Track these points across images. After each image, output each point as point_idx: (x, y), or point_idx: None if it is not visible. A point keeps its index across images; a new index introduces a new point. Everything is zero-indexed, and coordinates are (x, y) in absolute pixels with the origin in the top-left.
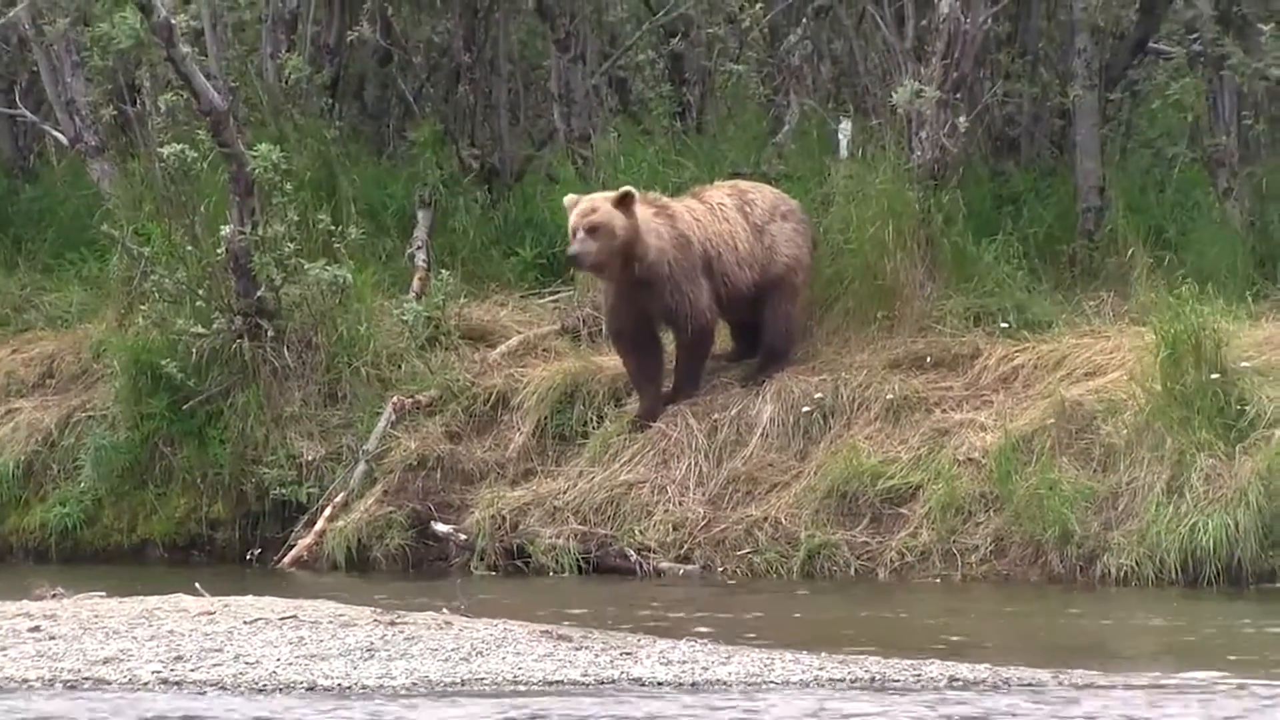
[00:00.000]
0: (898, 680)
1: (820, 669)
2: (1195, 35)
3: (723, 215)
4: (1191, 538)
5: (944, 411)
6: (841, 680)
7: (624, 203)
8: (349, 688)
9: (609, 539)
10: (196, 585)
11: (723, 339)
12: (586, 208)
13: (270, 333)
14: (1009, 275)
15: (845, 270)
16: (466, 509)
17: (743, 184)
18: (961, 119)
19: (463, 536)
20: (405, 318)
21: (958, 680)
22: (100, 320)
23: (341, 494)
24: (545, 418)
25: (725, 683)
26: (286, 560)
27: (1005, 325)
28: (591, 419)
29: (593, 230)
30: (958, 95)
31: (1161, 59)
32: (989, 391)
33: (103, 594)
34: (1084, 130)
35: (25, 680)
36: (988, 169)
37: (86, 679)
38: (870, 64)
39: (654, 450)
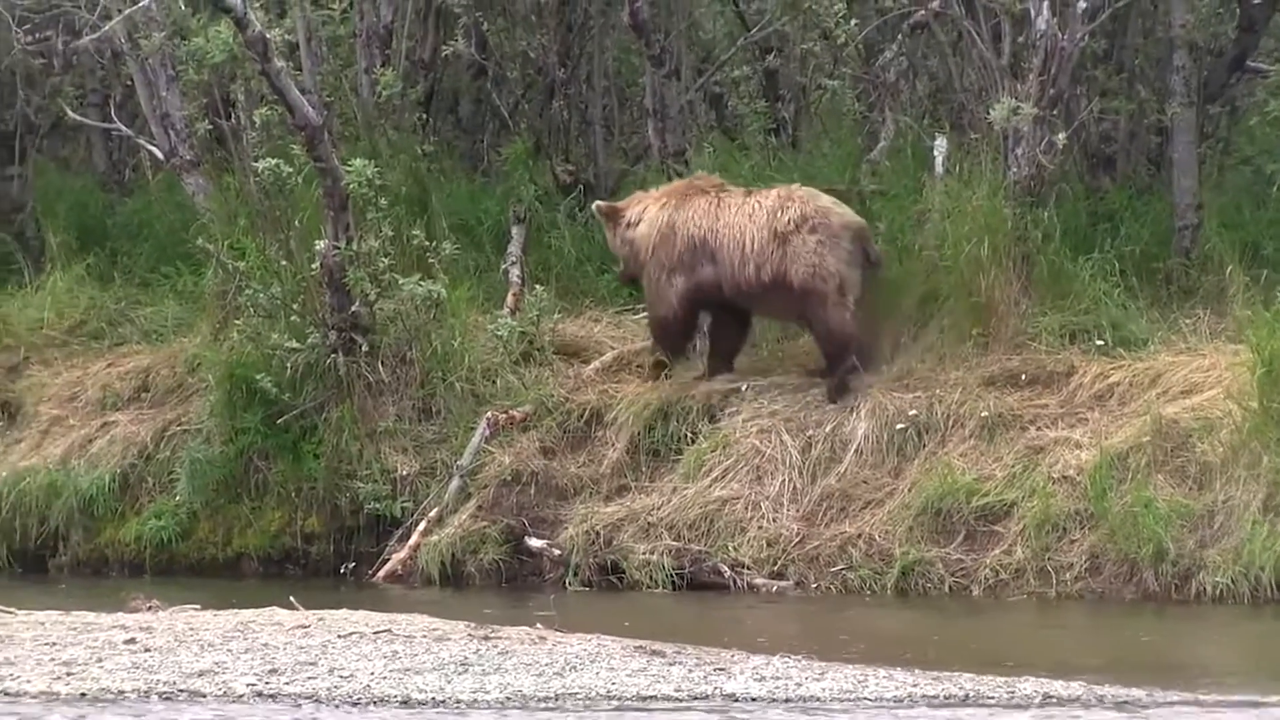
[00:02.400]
0: (992, 697)
1: (914, 686)
2: None
3: (745, 213)
4: None
5: (1039, 429)
6: (935, 697)
7: (606, 215)
8: (443, 702)
9: (703, 555)
10: (291, 599)
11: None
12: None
13: (364, 347)
14: (1105, 293)
15: (941, 287)
16: (560, 524)
17: (798, 191)
18: (1058, 136)
19: (556, 552)
20: (500, 333)
21: (1052, 698)
22: (195, 334)
23: (436, 509)
24: (639, 433)
25: (819, 699)
26: (381, 575)
27: (1101, 343)
28: (685, 435)
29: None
30: (1054, 112)
31: (1260, 76)
32: (1084, 409)
33: (198, 607)
34: (1181, 147)
35: (121, 692)
36: (1084, 186)
37: (182, 691)
38: (966, 80)
39: (748, 466)
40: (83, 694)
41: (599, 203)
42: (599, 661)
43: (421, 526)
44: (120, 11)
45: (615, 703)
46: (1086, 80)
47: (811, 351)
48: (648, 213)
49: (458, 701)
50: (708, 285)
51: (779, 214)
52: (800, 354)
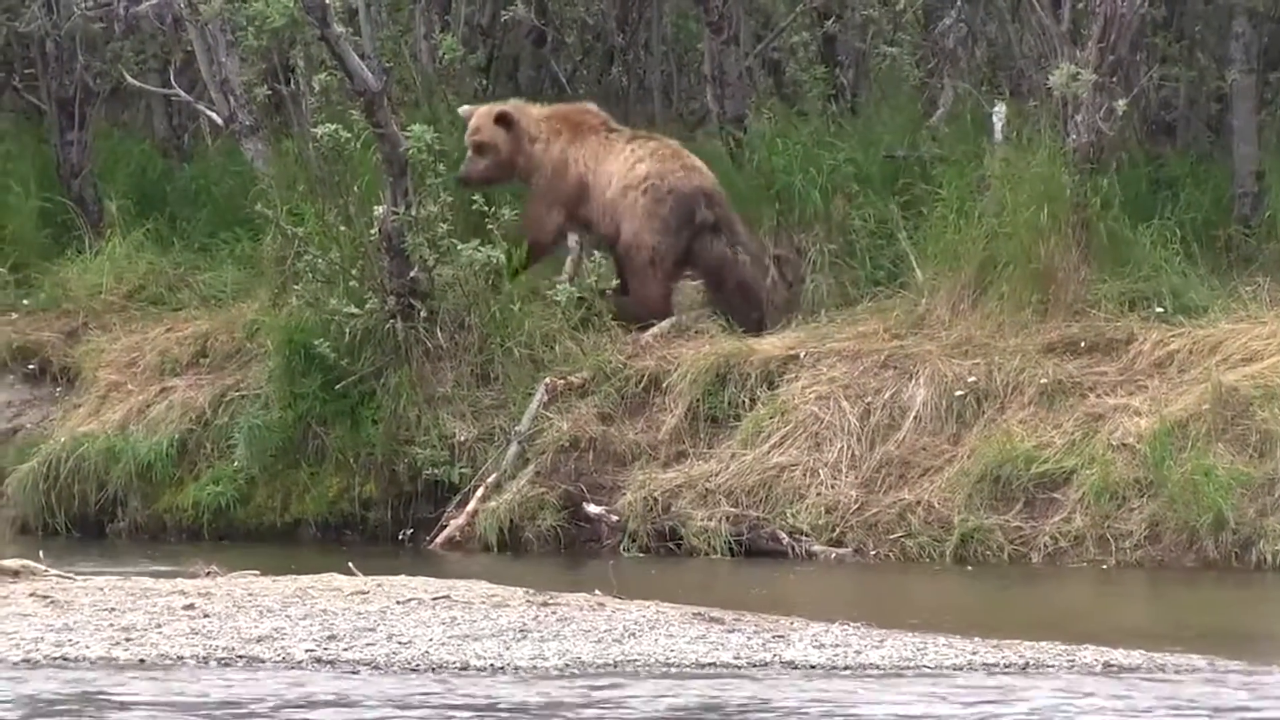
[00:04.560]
0: (1052, 665)
1: (974, 653)
2: None
3: (616, 162)
4: None
5: (1098, 396)
6: (995, 664)
7: (502, 120)
8: (501, 668)
9: (761, 521)
10: (350, 565)
11: None
12: (472, 126)
13: (423, 313)
14: (1165, 260)
15: (1000, 254)
16: (618, 490)
17: (663, 148)
18: (1118, 103)
19: (614, 518)
20: (558, 299)
21: (1113, 665)
22: (254, 300)
23: (494, 475)
24: (697, 399)
25: (878, 666)
26: (439, 541)
27: (1160, 310)
28: (743, 401)
29: (479, 149)
30: (1114, 79)
31: None
32: (1144, 377)
33: (256, 572)
34: (1241, 115)
35: (180, 657)
36: (1143, 153)
37: (240, 657)
38: (1025, 47)
39: (806, 433)
40: (141, 660)
41: (495, 108)
42: (658, 628)
43: (480, 493)
44: None
45: (674, 670)
46: (1146, 47)
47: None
48: (542, 132)
49: (516, 668)
50: (581, 224)
51: (635, 168)
52: (859, 321)
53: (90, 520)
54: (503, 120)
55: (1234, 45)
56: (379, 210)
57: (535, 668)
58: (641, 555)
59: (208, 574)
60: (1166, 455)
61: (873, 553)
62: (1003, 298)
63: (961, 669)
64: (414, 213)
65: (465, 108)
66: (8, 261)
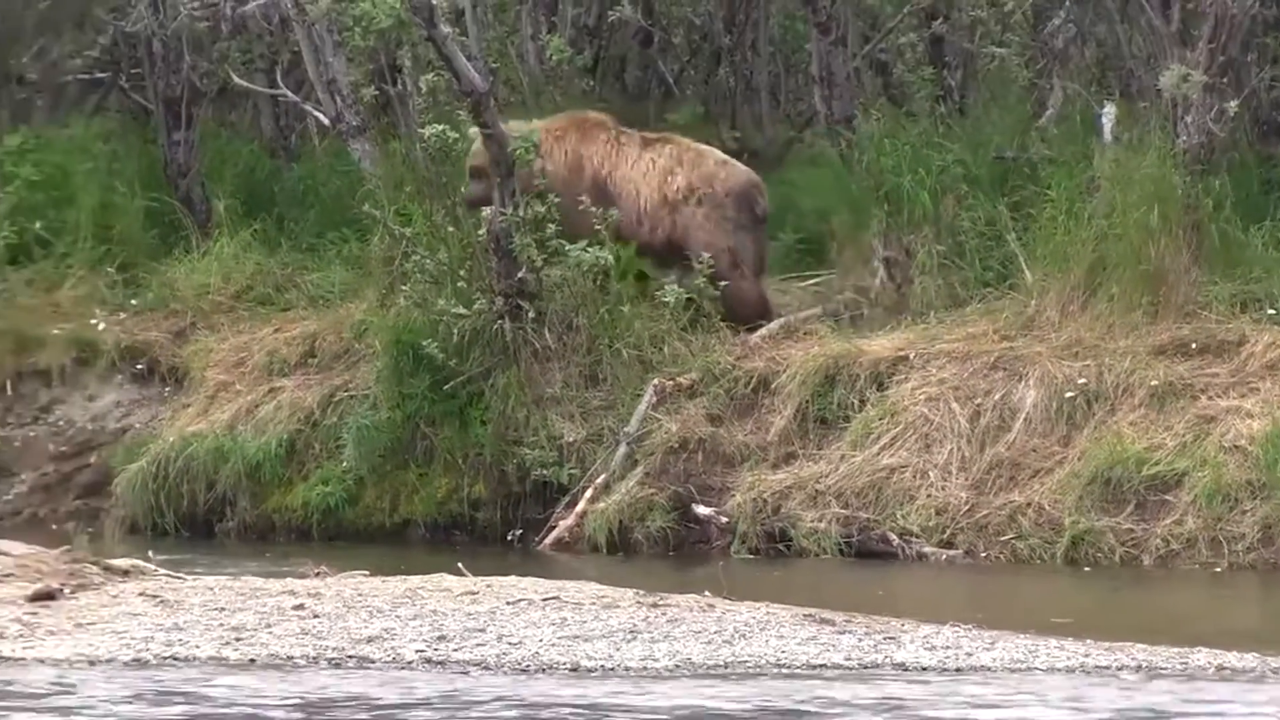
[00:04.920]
0: (1165, 668)
1: (1085, 656)
2: None
3: (640, 169)
4: None
5: (1210, 398)
6: (1107, 667)
7: None
8: (612, 669)
9: (871, 523)
10: (459, 565)
11: None
12: (471, 151)
13: (531, 314)
14: (1277, 261)
15: (1110, 255)
16: (727, 492)
17: (687, 153)
18: (1229, 104)
19: (724, 519)
20: (666, 300)
21: (1226, 669)
22: (362, 300)
23: (602, 476)
24: (806, 401)
25: (989, 668)
26: (548, 541)
27: (1272, 312)
28: (853, 402)
29: (475, 173)
30: (1224, 80)
31: None
32: (1255, 379)
33: (366, 573)
34: None
35: (290, 657)
36: (1255, 154)
37: (351, 657)
38: (1135, 47)
39: (916, 434)
40: (252, 659)
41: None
42: (768, 629)
43: (588, 494)
44: None
45: (785, 671)
46: (1257, 47)
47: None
48: (546, 147)
49: (626, 669)
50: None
51: (669, 179)
52: (969, 322)
53: (199, 520)
54: None
55: None
56: (487, 211)
57: (646, 669)
58: (751, 557)
59: (317, 574)
60: (1279, 457)
61: (983, 554)
62: (1113, 299)
63: (1074, 671)
64: (522, 213)
65: (473, 129)
66: (115, 262)
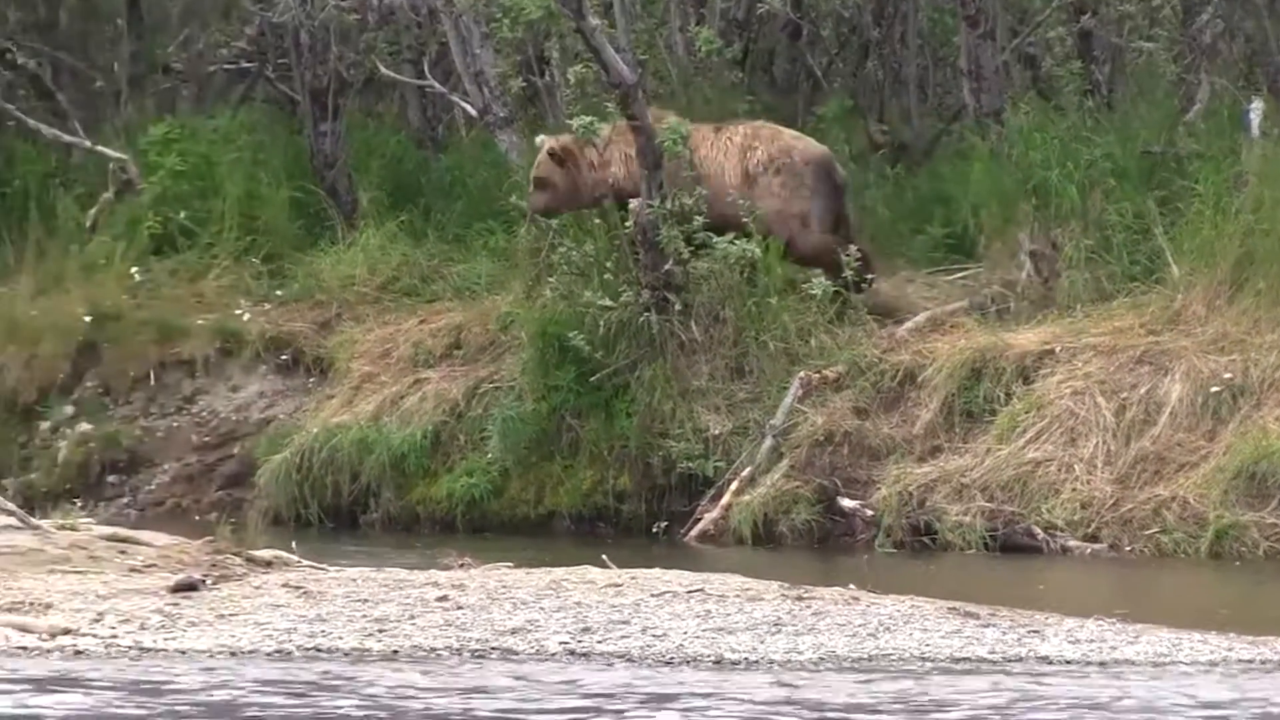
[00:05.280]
0: None
1: (1229, 650)
2: None
3: (720, 149)
4: None
5: None
6: (1251, 661)
7: (554, 157)
8: (756, 662)
9: (1016, 517)
10: (604, 557)
11: None
12: (535, 162)
13: (678, 306)
14: None
15: (1257, 250)
16: (873, 485)
17: (764, 130)
18: None
19: (869, 512)
20: (813, 292)
21: None
22: (508, 292)
23: (748, 468)
24: (952, 394)
25: (1133, 662)
26: (692, 534)
27: None
28: (999, 396)
29: (537, 184)
30: None
31: None
32: None
33: (510, 565)
34: None
35: (433, 649)
36: None
37: (494, 649)
38: None
39: (1061, 428)
40: (395, 651)
41: (548, 141)
42: (913, 623)
43: (734, 486)
44: None
45: (929, 664)
46: None
47: None
48: (610, 158)
49: (770, 661)
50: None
51: (748, 154)
52: (1115, 316)
53: (343, 511)
54: (555, 156)
55: None
56: (634, 203)
57: (789, 661)
58: (895, 550)
59: (461, 566)
60: None
61: (1127, 548)
62: (1259, 294)
63: (1217, 665)
64: (669, 205)
65: (540, 137)
66: (261, 252)
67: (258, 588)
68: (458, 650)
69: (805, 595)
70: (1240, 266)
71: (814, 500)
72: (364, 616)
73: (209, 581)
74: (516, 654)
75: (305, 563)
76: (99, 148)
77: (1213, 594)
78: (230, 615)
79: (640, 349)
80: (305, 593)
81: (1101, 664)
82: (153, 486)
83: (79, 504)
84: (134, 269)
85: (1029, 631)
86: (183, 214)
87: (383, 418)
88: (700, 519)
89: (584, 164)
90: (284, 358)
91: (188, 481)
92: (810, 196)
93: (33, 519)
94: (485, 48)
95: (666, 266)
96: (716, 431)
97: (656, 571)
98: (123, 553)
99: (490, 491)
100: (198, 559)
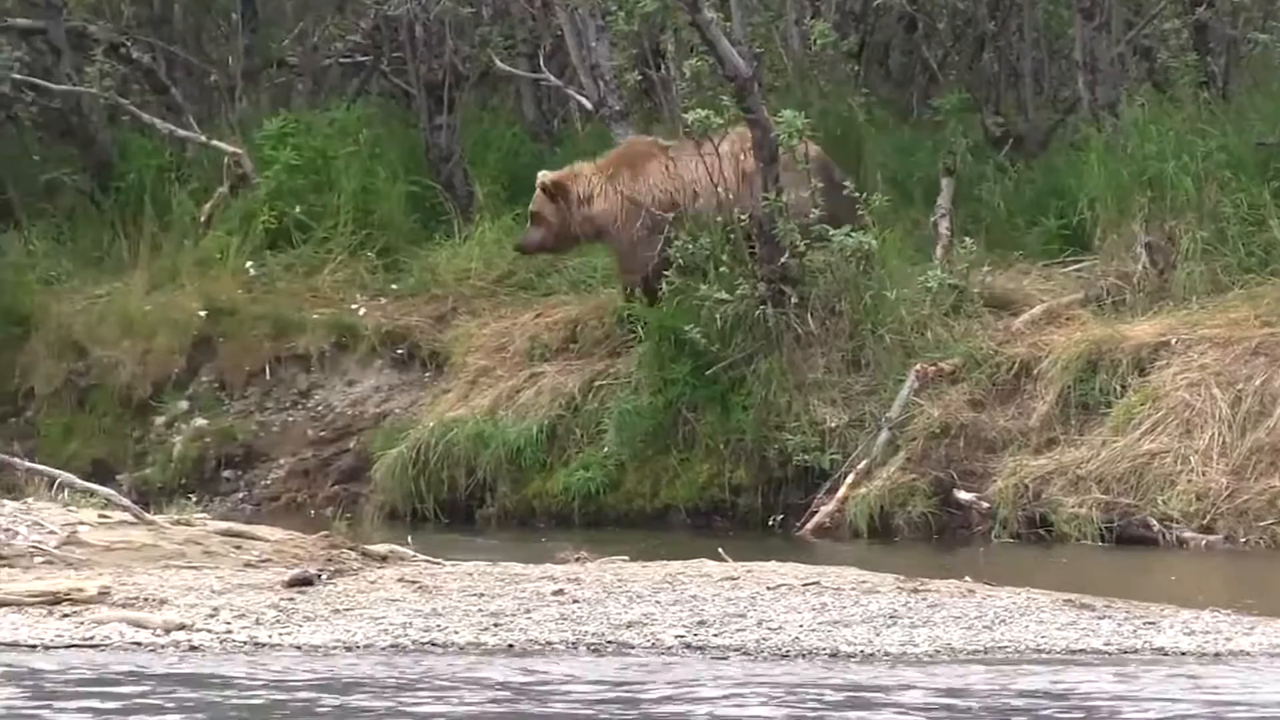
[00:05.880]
0: None
1: None
2: None
3: (708, 164)
4: None
5: None
6: None
7: (547, 191)
8: (871, 654)
9: (1131, 509)
10: (719, 550)
11: None
12: (533, 197)
13: (794, 299)
14: None
15: None
16: (988, 477)
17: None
18: None
19: (985, 505)
20: (929, 285)
21: None
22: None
23: (864, 461)
24: (1068, 386)
25: (1248, 653)
26: (809, 527)
27: None
28: (1115, 388)
29: (533, 218)
30: None
31: None
32: None
33: (625, 558)
34: None
35: (549, 643)
36: None
37: (610, 643)
38: None
39: (1177, 420)
40: (510, 645)
41: (545, 175)
42: (1028, 615)
43: (850, 479)
44: None
45: (1044, 656)
46: None
47: None
48: (597, 188)
49: (886, 654)
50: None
51: (742, 157)
52: (1230, 308)
53: (459, 506)
54: (547, 191)
55: None
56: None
57: (905, 654)
58: (1011, 542)
59: (577, 560)
60: None
61: (1243, 540)
62: None
63: None
64: (785, 199)
65: (541, 173)
66: (376, 246)
67: (373, 582)
68: (573, 644)
69: (921, 588)
70: None
71: (930, 493)
72: (480, 611)
73: (324, 576)
74: (632, 648)
75: (421, 557)
76: (213, 142)
77: None
78: (345, 610)
79: (756, 342)
80: (420, 587)
81: (1217, 655)
82: (268, 481)
83: (194, 499)
84: (249, 264)
85: (1144, 623)
86: (297, 208)
87: (498, 412)
88: (816, 512)
89: (573, 198)
90: (399, 352)
91: (303, 476)
92: (802, 190)
93: (148, 514)
94: (601, 41)
95: (782, 259)
96: (832, 424)
97: (772, 565)
98: (238, 548)
99: (606, 485)
100: (313, 554)
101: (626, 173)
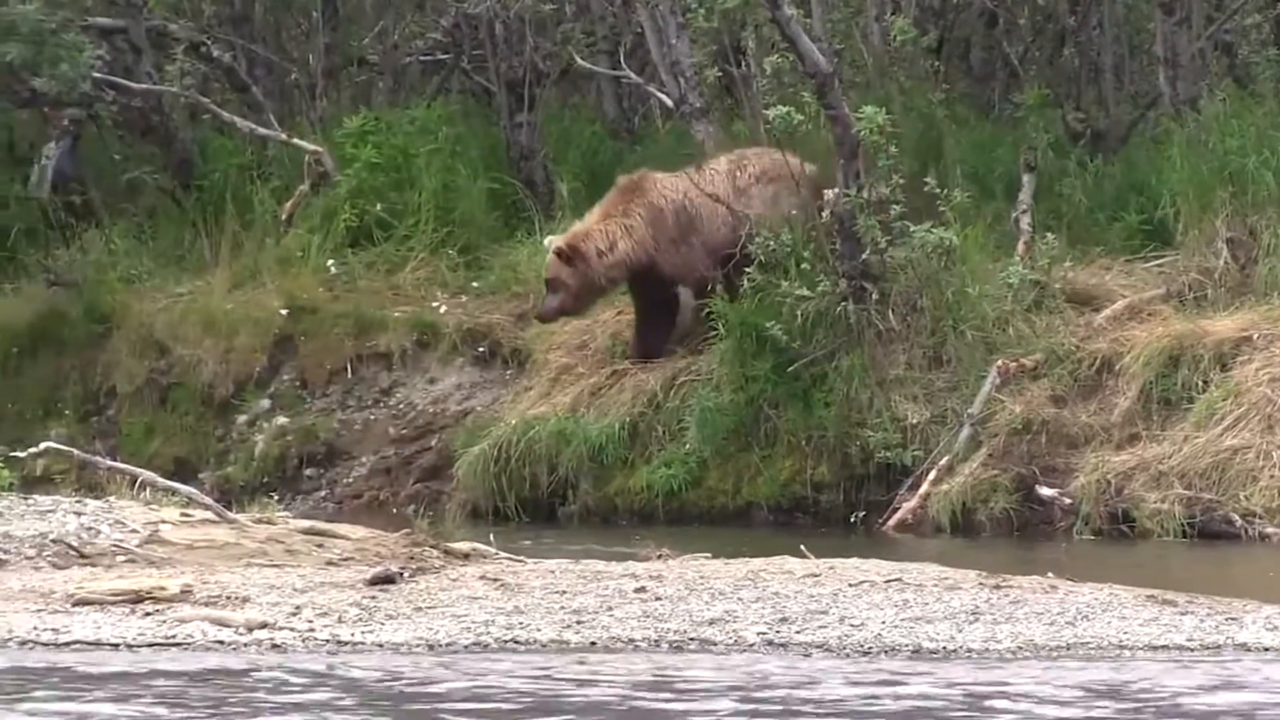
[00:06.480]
0: None
1: None
2: None
3: (707, 189)
4: None
5: None
6: None
7: (561, 255)
8: (954, 651)
9: (1214, 504)
10: (801, 547)
11: None
12: (547, 263)
13: (875, 295)
14: None
15: None
16: (1070, 473)
17: (750, 151)
18: None
19: (1067, 500)
20: (1010, 281)
21: None
22: None
23: (946, 457)
24: (1150, 382)
25: None
26: (890, 523)
27: None
28: (1197, 383)
29: (549, 285)
30: None
31: None
32: None
33: (708, 555)
34: None
35: (631, 640)
36: None
37: (692, 640)
38: None
39: (1259, 415)
40: (592, 642)
41: (555, 242)
42: (1110, 611)
43: (931, 475)
44: None
45: (1126, 652)
46: None
47: None
48: (616, 231)
49: (968, 650)
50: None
51: (737, 175)
52: None
53: (541, 503)
54: (561, 255)
55: None
56: (830, 192)
57: (987, 650)
58: (1093, 537)
59: (659, 557)
60: None
61: None
62: None
63: None
64: (866, 194)
65: (547, 240)
66: (457, 244)
67: (455, 580)
68: (655, 641)
69: (1003, 584)
70: None
71: (1012, 489)
72: (561, 608)
73: (406, 574)
74: (714, 645)
75: (503, 555)
76: (294, 140)
77: None
78: (428, 608)
79: (838, 338)
80: (503, 585)
81: None
82: (350, 479)
83: (276, 497)
84: (330, 262)
85: (1227, 619)
86: (379, 206)
87: (580, 409)
88: (898, 508)
89: (591, 255)
90: (481, 350)
91: (385, 474)
92: (802, 209)
93: (230, 513)
94: (681, 38)
95: (864, 255)
96: (914, 420)
97: (854, 561)
98: (320, 546)
99: (688, 482)
100: (395, 552)
101: (630, 203)
